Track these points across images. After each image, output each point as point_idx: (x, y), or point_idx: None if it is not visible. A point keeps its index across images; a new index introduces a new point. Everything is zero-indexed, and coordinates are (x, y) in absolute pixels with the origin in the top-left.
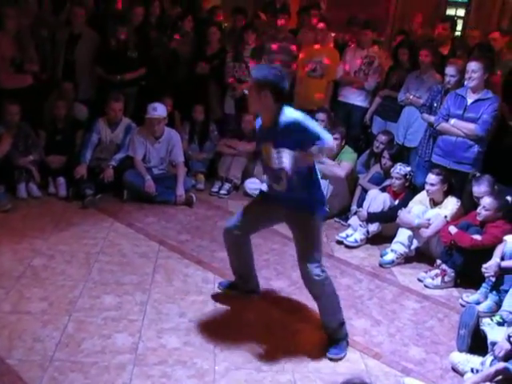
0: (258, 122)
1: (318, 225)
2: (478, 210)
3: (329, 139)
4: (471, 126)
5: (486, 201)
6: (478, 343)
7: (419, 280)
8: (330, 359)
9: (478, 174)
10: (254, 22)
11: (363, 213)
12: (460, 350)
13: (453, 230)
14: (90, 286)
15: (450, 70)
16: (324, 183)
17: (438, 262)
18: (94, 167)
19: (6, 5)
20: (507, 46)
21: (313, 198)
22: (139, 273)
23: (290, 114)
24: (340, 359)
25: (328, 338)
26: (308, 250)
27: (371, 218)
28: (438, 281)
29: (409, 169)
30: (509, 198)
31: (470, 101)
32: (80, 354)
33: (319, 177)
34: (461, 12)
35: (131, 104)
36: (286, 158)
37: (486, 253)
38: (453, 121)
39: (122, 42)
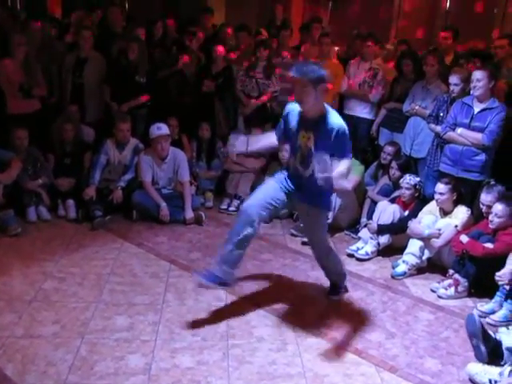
0: (291, 109)
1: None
2: (491, 218)
3: (348, 163)
4: (478, 135)
5: (498, 207)
6: (494, 350)
7: (432, 291)
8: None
9: (492, 182)
10: (267, 39)
11: (373, 225)
12: (480, 361)
13: (464, 239)
14: (102, 308)
15: (453, 79)
16: (332, 197)
17: (451, 271)
18: (102, 188)
19: (14, 32)
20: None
21: (326, 196)
22: (150, 293)
23: (338, 118)
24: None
25: (332, 286)
26: (320, 235)
27: (381, 229)
28: (452, 291)
29: (418, 179)
30: None
31: (476, 110)
32: (93, 377)
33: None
34: None
35: (141, 126)
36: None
37: (499, 261)
38: (459, 130)
39: (132, 64)
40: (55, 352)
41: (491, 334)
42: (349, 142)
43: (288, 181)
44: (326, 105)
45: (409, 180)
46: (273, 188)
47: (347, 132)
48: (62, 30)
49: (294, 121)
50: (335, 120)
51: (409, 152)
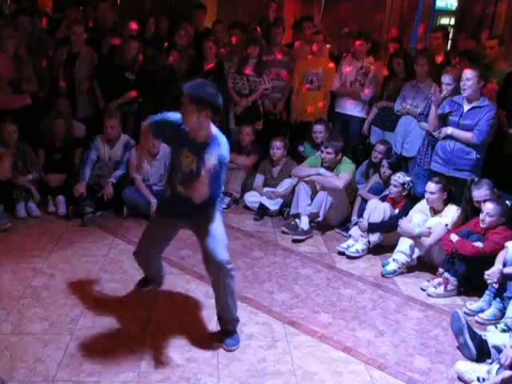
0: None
1: (219, 216)
2: (482, 217)
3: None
4: (468, 134)
5: (489, 206)
6: (481, 348)
7: (422, 289)
8: (228, 350)
9: (476, 179)
10: (258, 36)
11: (364, 223)
12: (469, 358)
13: (454, 238)
14: (92, 304)
15: (445, 79)
16: (323, 195)
17: (441, 270)
18: (93, 185)
19: (4, 25)
20: (503, 55)
21: (213, 195)
22: (140, 290)
23: (221, 148)
24: (236, 349)
25: (224, 328)
26: (219, 239)
27: (372, 228)
28: (441, 289)
29: (409, 179)
30: (508, 202)
31: (466, 108)
32: (82, 374)
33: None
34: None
35: (131, 121)
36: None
37: (489, 260)
38: (450, 130)
39: (126, 62)
40: (44, 349)
41: (476, 331)
42: (222, 174)
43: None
44: (214, 132)
45: (397, 178)
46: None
47: (225, 163)
48: (53, 24)
49: (180, 133)
50: (217, 150)
51: (400, 151)
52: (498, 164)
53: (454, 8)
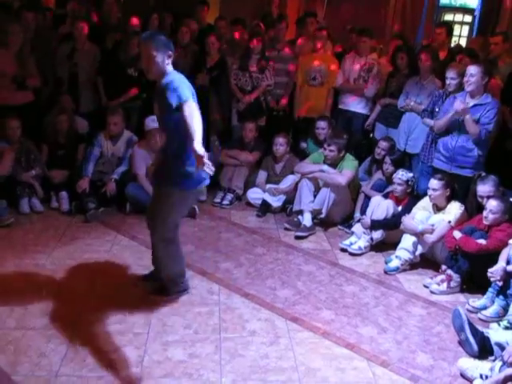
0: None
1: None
2: (485, 214)
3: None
4: (475, 130)
5: (493, 203)
6: (483, 345)
7: (425, 286)
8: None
9: (483, 174)
10: (260, 32)
11: (366, 220)
12: (471, 355)
13: (457, 234)
14: (95, 300)
15: (450, 73)
16: (326, 191)
17: (444, 267)
18: (96, 181)
19: (8, 21)
20: (507, 52)
21: (177, 171)
22: (145, 283)
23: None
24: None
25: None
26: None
27: (375, 225)
28: (444, 286)
29: (411, 175)
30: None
31: (469, 104)
32: (85, 369)
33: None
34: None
35: (134, 118)
36: None
37: (492, 257)
38: (467, 116)
39: (130, 58)
40: (48, 343)
41: (478, 328)
42: (176, 89)
43: None
44: (170, 76)
45: (401, 175)
46: None
47: (174, 83)
48: (56, 20)
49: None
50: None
51: (403, 148)
52: (500, 161)
53: (457, 4)
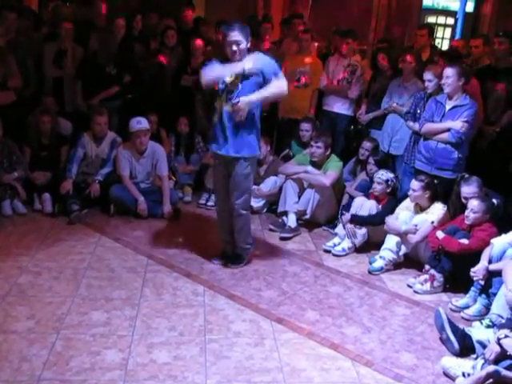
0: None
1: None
2: (467, 214)
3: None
4: (444, 135)
5: (474, 203)
6: (464, 343)
7: (408, 286)
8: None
9: (466, 176)
10: None
11: (346, 216)
12: (453, 353)
13: (440, 234)
14: (78, 303)
15: (427, 75)
16: (310, 192)
17: (427, 267)
18: (79, 182)
19: None
20: (487, 55)
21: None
22: (128, 287)
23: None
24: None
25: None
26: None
27: (354, 220)
28: (427, 286)
29: (392, 175)
30: (494, 200)
31: (447, 107)
32: (69, 373)
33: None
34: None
35: (115, 118)
36: None
37: (474, 256)
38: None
39: (109, 55)
40: (30, 348)
41: (458, 325)
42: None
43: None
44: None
45: (381, 175)
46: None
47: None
48: (38, 21)
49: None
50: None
51: (387, 149)
52: (474, 162)
53: (440, 7)
